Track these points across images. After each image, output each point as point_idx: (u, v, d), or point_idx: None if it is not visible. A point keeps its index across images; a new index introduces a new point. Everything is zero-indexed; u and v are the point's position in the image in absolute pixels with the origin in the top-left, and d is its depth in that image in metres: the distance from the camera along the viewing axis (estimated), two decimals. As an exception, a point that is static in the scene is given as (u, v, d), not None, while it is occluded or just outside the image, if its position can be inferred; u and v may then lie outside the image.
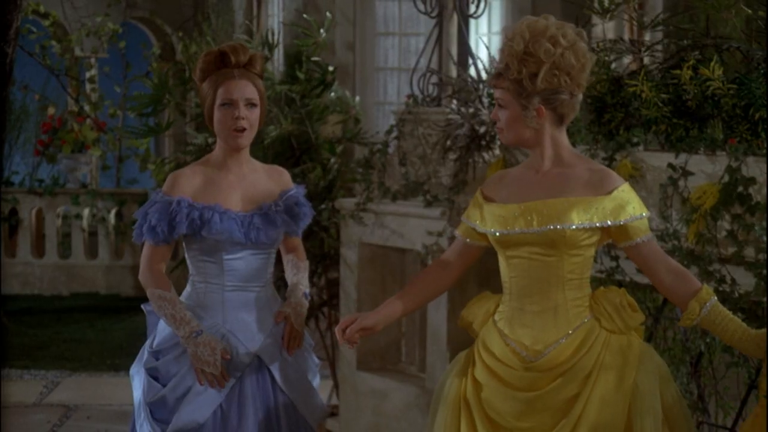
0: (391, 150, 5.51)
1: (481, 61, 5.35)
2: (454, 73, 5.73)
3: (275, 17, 9.99)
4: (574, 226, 2.95)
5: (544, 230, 2.96)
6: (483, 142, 5.02)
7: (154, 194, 3.41)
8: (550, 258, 2.98)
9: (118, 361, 7.59)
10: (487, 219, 3.10)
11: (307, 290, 3.58)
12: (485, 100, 5.10)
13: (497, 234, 3.05)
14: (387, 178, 5.47)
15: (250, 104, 3.38)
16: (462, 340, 5.09)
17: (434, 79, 5.42)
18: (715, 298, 2.96)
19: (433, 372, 5.06)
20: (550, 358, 2.97)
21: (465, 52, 5.64)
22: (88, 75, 10.98)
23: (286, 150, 6.11)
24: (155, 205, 3.36)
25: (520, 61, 2.99)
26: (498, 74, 3.05)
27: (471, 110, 5.07)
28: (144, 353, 3.44)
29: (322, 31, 5.98)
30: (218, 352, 3.28)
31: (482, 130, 5.02)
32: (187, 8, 11.48)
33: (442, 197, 5.11)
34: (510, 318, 3.07)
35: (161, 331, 3.42)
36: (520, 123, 3.04)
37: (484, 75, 5.26)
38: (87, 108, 10.31)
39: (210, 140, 5.95)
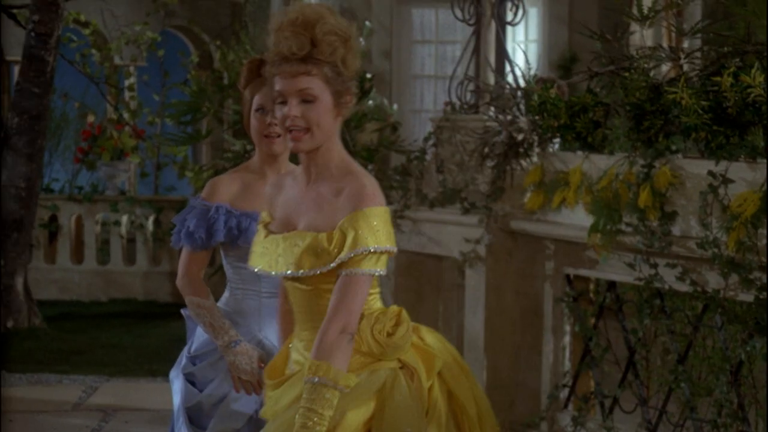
0: (428, 157, 5.52)
1: (519, 68, 5.34)
2: (491, 80, 5.73)
3: (312, 25, 10.02)
4: (305, 272, 2.59)
5: (282, 274, 2.68)
6: (521, 149, 5.01)
7: (192, 200, 3.40)
8: (307, 288, 2.67)
9: (156, 366, 7.62)
10: (255, 245, 2.81)
11: None
12: (523, 107, 5.10)
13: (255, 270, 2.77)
14: (424, 185, 5.48)
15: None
16: (500, 346, 5.08)
17: (472, 86, 5.43)
18: (316, 379, 2.53)
19: (470, 379, 5.04)
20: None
21: (502, 59, 5.64)
22: (127, 83, 11.06)
23: (323, 157, 6.12)
24: (194, 210, 3.34)
25: (334, 37, 2.58)
26: (305, 58, 2.57)
27: (509, 117, 5.07)
28: (182, 358, 3.46)
29: (360, 39, 6.00)
30: (255, 360, 3.27)
31: (520, 137, 5.01)
32: (224, 16, 11.55)
33: (479, 204, 5.11)
34: (296, 344, 2.78)
35: (199, 336, 3.42)
36: (331, 118, 2.63)
37: (521, 82, 5.25)
38: (126, 116, 10.39)
39: (248, 147, 5.98)
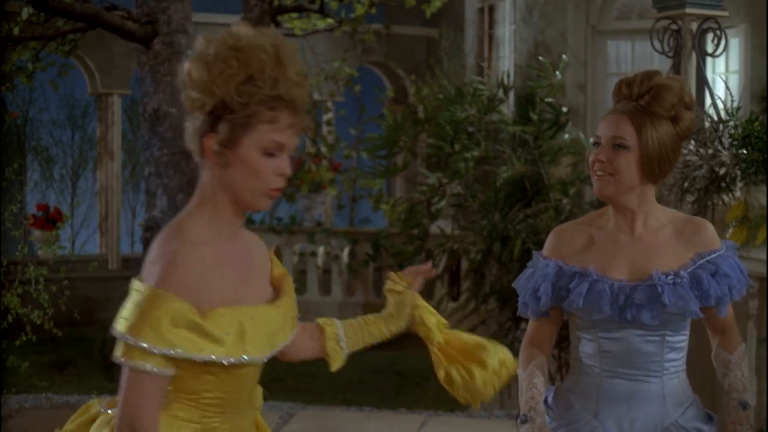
0: (625, 191, 5.43)
1: (721, 101, 5.21)
2: (691, 113, 5.61)
3: (506, 59, 10.07)
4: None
5: None
6: (723, 184, 4.88)
7: (535, 256, 2.79)
8: None
9: (350, 395, 7.76)
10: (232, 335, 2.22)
11: (746, 397, 2.73)
12: (725, 141, 4.96)
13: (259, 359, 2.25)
14: (621, 219, 5.40)
15: (616, 145, 2.66)
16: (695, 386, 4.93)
17: (671, 119, 5.32)
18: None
19: None
20: None
21: (702, 91, 5.51)
22: (325, 118, 11.39)
23: (517, 191, 6.13)
24: (529, 272, 2.76)
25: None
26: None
27: (710, 151, 4.95)
28: None
29: (557, 72, 5.99)
30: None
31: (722, 171, 4.88)
32: (420, 52, 11.74)
33: (678, 240, 5.00)
34: None
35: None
36: None
37: (723, 115, 5.12)
38: (324, 149, 10.68)
39: (444, 180, 6.05)
